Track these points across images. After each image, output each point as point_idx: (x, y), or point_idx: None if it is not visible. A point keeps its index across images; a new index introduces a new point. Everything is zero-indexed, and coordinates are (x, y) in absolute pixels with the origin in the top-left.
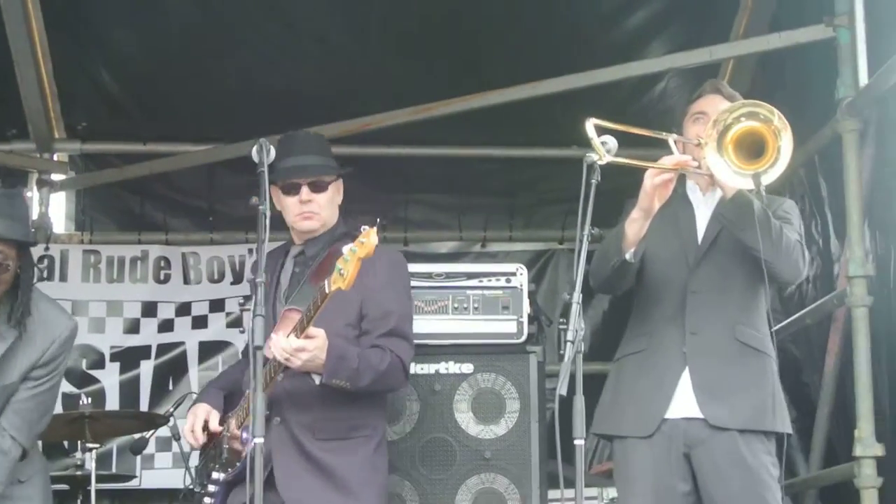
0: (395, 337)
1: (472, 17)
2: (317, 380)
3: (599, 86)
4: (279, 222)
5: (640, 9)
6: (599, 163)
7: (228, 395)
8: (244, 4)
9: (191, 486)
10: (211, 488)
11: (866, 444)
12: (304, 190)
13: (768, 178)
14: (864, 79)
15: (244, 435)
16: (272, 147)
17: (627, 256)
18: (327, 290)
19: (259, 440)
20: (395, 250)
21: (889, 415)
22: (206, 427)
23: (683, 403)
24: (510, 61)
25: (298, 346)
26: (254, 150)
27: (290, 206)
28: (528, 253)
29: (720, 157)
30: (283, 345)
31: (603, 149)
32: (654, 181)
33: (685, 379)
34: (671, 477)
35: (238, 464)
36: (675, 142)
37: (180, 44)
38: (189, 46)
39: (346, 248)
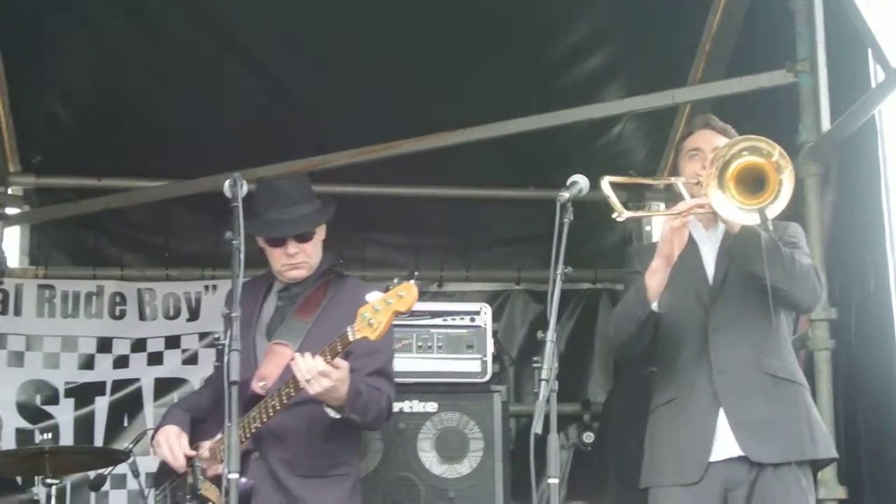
0: (383, 377)
1: (428, 60)
2: (332, 413)
3: (556, 128)
4: (249, 258)
5: (595, 53)
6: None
7: (193, 422)
8: (202, 41)
9: None
10: None
11: (830, 487)
12: (291, 243)
13: (772, 211)
14: (825, 124)
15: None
16: (244, 182)
17: (654, 307)
18: (351, 338)
19: (234, 476)
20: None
21: (849, 459)
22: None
23: (725, 444)
24: (466, 103)
25: (325, 370)
26: (226, 184)
27: (276, 257)
28: (484, 293)
29: (723, 194)
30: (310, 365)
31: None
32: (673, 225)
33: (722, 419)
34: None
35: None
36: (682, 185)
37: (136, 79)
38: (145, 82)
39: (374, 297)
